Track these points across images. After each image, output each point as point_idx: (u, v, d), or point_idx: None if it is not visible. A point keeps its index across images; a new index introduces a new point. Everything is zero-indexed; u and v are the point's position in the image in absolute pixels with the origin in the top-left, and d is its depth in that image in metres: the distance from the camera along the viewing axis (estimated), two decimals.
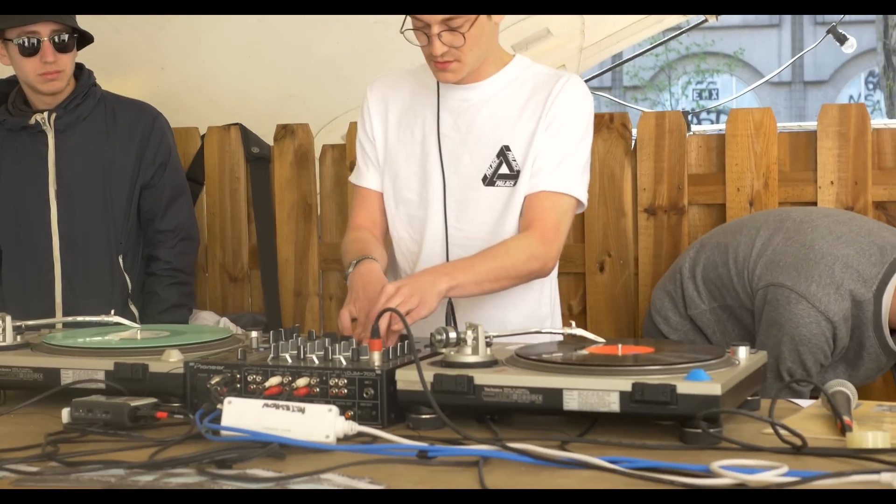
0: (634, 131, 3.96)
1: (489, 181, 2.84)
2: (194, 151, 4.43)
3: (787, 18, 26.86)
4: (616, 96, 26.72)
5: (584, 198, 2.84)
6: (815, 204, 3.76)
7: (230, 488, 1.76)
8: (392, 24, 4.80)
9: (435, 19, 2.65)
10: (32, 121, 3.72)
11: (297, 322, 4.29)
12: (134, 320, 3.71)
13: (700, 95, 27.79)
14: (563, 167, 2.80)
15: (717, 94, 27.65)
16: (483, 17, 2.69)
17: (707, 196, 3.88)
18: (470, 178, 2.85)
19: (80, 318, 2.79)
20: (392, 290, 2.49)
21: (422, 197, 2.90)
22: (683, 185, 3.86)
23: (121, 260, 3.78)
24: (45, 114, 3.71)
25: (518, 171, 2.81)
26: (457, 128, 2.87)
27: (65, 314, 3.67)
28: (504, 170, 2.83)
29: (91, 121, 3.77)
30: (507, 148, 2.82)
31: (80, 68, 3.79)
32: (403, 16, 2.71)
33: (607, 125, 3.93)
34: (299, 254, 4.30)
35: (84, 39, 3.70)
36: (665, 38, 8.91)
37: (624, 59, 8.32)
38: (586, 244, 3.97)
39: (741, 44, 26.73)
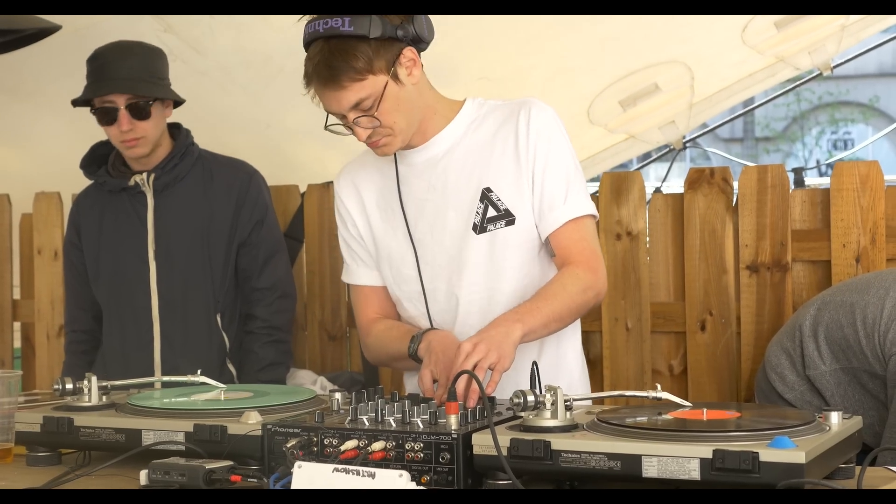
0: (736, 185, 3.87)
1: (480, 228, 2.80)
2: (294, 209, 4.44)
3: None
4: (748, 147, 26.43)
5: (595, 210, 2.84)
6: None
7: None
8: (496, 86, 4.82)
9: (343, 108, 2.65)
10: (132, 182, 3.76)
11: (395, 381, 4.25)
12: (232, 379, 3.74)
13: (835, 146, 27.23)
14: (572, 192, 2.79)
15: (852, 145, 27.02)
16: (392, 87, 2.66)
17: (811, 253, 3.77)
18: (460, 231, 2.82)
19: (165, 378, 2.79)
20: (469, 347, 2.47)
21: (421, 269, 2.87)
22: (787, 241, 3.76)
23: (219, 318, 3.78)
24: (144, 175, 3.75)
25: (506, 210, 2.78)
26: (432, 188, 2.84)
27: (164, 373, 3.68)
28: (491, 212, 2.79)
29: (189, 180, 3.80)
30: (488, 190, 2.79)
31: (177, 128, 3.84)
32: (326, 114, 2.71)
33: (708, 180, 3.85)
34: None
35: (176, 101, 3.74)
36: (782, 91, 8.75)
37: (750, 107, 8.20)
38: (687, 302, 3.88)
39: (876, 91, 26.12)
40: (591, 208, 2.82)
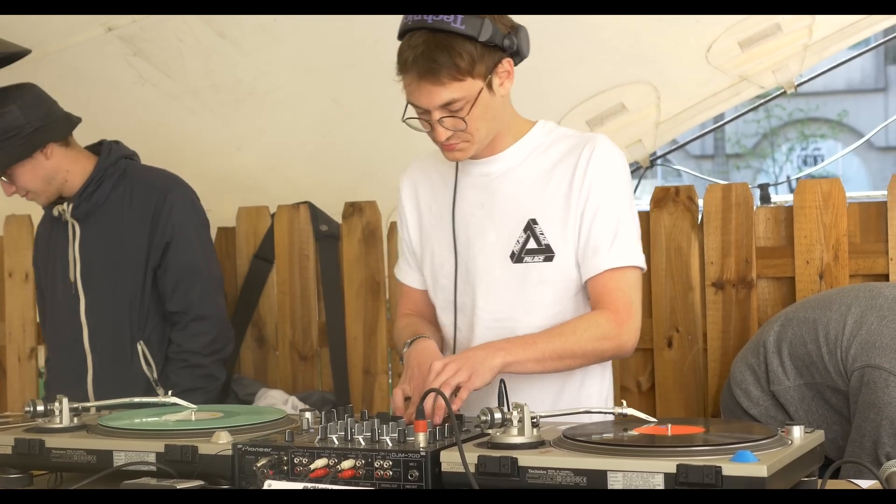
0: (701, 203, 3.91)
1: (517, 258, 2.75)
2: (264, 230, 4.46)
3: (894, 82, 26.33)
4: (718, 164, 26.49)
5: (644, 263, 2.76)
6: (886, 277, 3.67)
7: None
8: None
9: (434, 104, 2.59)
10: (56, 212, 3.72)
11: (366, 400, 4.28)
12: None
13: (805, 162, 27.32)
14: (619, 240, 2.71)
15: (822, 160, 27.03)
16: (485, 94, 2.61)
17: (776, 269, 3.82)
18: (497, 256, 2.78)
19: (136, 400, 2.80)
20: (440, 366, 2.49)
21: (454, 282, 2.85)
22: (752, 258, 3.80)
23: (141, 346, 3.69)
24: (65, 204, 3.70)
25: (547, 245, 2.73)
26: (481, 205, 2.80)
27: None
28: (532, 244, 2.74)
29: (110, 204, 3.70)
30: (533, 221, 2.74)
31: (101, 144, 3.77)
32: (406, 104, 2.65)
33: (673, 198, 3.89)
34: (368, 332, 4.30)
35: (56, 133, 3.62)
36: (751, 108, 8.82)
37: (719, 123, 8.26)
38: (654, 320, 3.91)
39: (845, 107, 26.22)
40: (636, 260, 2.74)
